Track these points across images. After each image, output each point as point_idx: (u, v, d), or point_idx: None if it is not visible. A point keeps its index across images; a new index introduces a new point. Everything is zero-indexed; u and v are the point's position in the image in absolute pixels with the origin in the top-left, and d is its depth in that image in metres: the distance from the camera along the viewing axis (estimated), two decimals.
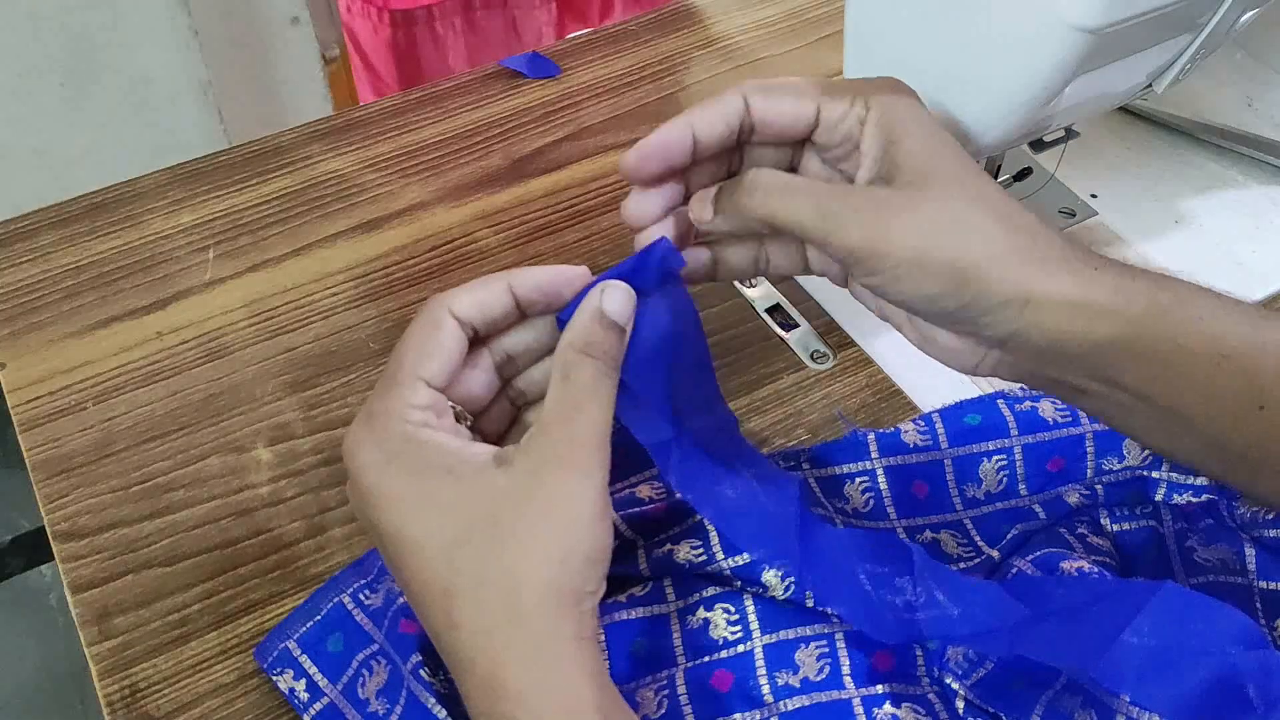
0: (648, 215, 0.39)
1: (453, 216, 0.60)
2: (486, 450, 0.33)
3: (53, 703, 1.25)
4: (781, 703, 0.38)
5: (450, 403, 0.35)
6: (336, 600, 0.43)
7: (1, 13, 0.90)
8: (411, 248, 0.58)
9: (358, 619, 0.42)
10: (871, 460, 0.45)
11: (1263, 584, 0.41)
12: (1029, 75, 0.43)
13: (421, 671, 0.38)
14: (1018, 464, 0.45)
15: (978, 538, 0.45)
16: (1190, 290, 0.36)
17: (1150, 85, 0.49)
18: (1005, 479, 0.45)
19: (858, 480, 0.45)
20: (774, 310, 0.55)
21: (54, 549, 0.46)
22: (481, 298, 0.35)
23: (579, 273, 0.36)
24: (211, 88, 1.01)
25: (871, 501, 0.45)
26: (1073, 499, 0.45)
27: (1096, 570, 0.40)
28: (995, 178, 0.56)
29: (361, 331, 0.54)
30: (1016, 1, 0.41)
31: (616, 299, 0.35)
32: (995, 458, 0.45)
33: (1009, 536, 0.44)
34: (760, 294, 0.56)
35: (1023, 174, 0.57)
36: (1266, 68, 0.66)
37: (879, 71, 0.51)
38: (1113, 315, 0.35)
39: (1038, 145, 0.53)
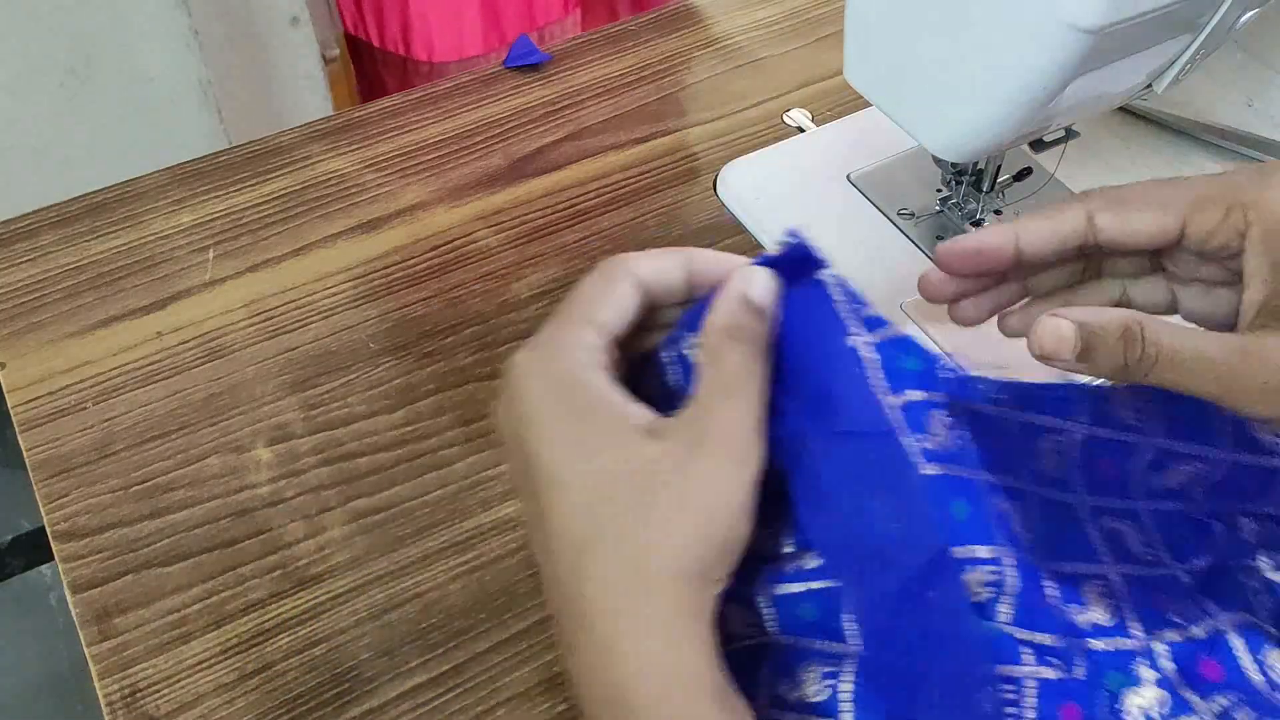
0: (969, 317, 0.38)
1: (453, 216, 0.60)
2: (644, 413, 0.32)
3: (53, 703, 1.25)
4: None
5: (620, 355, 0.34)
6: None
7: (1, 13, 0.90)
8: (411, 248, 0.58)
9: None
10: (1078, 421, 0.37)
11: None
12: (1029, 75, 0.43)
13: None
14: (1214, 476, 0.38)
15: (1159, 543, 0.39)
16: None
17: (1150, 85, 0.49)
18: (1189, 482, 0.39)
19: (1049, 436, 0.38)
20: None
21: (54, 549, 0.46)
22: (661, 265, 0.34)
23: (744, 262, 0.35)
24: (211, 88, 1.01)
25: (1062, 464, 0.38)
26: (1246, 531, 0.39)
27: None
28: (995, 178, 0.56)
29: (361, 331, 0.54)
30: (1016, 1, 0.41)
31: (760, 282, 0.33)
32: (1198, 464, 0.38)
33: (1194, 564, 0.39)
34: None
35: (1023, 174, 0.57)
36: (1266, 68, 0.66)
37: (879, 71, 0.51)
38: None
39: (1038, 145, 0.53)
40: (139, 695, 0.42)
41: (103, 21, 0.94)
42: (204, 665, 0.43)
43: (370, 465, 0.49)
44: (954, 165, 0.56)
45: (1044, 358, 0.34)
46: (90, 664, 0.43)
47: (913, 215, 0.59)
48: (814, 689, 0.35)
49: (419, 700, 0.42)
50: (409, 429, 0.50)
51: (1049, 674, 0.35)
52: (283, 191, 0.61)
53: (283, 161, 0.63)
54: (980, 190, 0.57)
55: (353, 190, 0.61)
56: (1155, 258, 0.37)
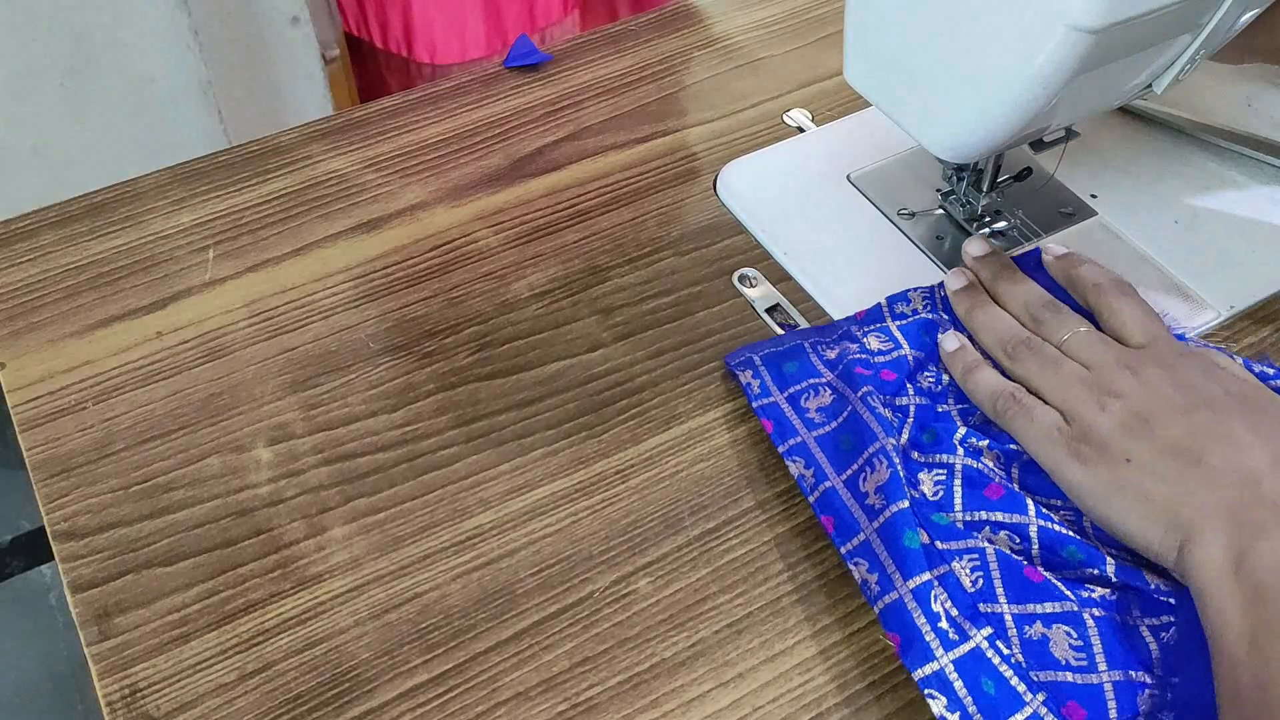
0: None
1: (453, 216, 0.60)
2: None
3: (53, 703, 1.25)
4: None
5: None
6: (798, 343, 0.52)
7: (1, 13, 0.90)
8: (411, 248, 0.58)
9: (813, 360, 0.51)
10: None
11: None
12: (1029, 75, 0.43)
13: (870, 399, 0.47)
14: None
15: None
16: None
17: (1150, 85, 0.49)
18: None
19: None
20: (774, 310, 0.55)
21: (54, 549, 0.46)
22: None
23: None
24: (211, 88, 1.01)
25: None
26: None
27: None
28: (995, 178, 0.56)
29: (361, 331, 0.54)
30: (1016, 1, 0.41)
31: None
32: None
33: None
34: (760, 294, 0.56)
35: (1023, 174, 0.57)
36: (1266, 68, 0.66)
37: (879, 71, 0.51)
38: None
39: (1038, 145, 0.53)
40: (139, 695, 0.42)
41: (103, 22, 0.94)
42: (204, 665, 0.43)
43: (370, 465, 0.49)
44: (954, 165, 0.56)
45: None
46: (90, 664, 0.43)
47: (913, 215, 0.59)
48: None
49: (419, 700, 0.42)
50: (409, 429, 0.50)
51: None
52: (283, 191, 0.61)
53: (283, 161, 0.63)
54: (980, 190, 0.57)
55: (353, 190, 0.61)
56: None
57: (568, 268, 0.57)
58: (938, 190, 0.59)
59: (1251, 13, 0.46)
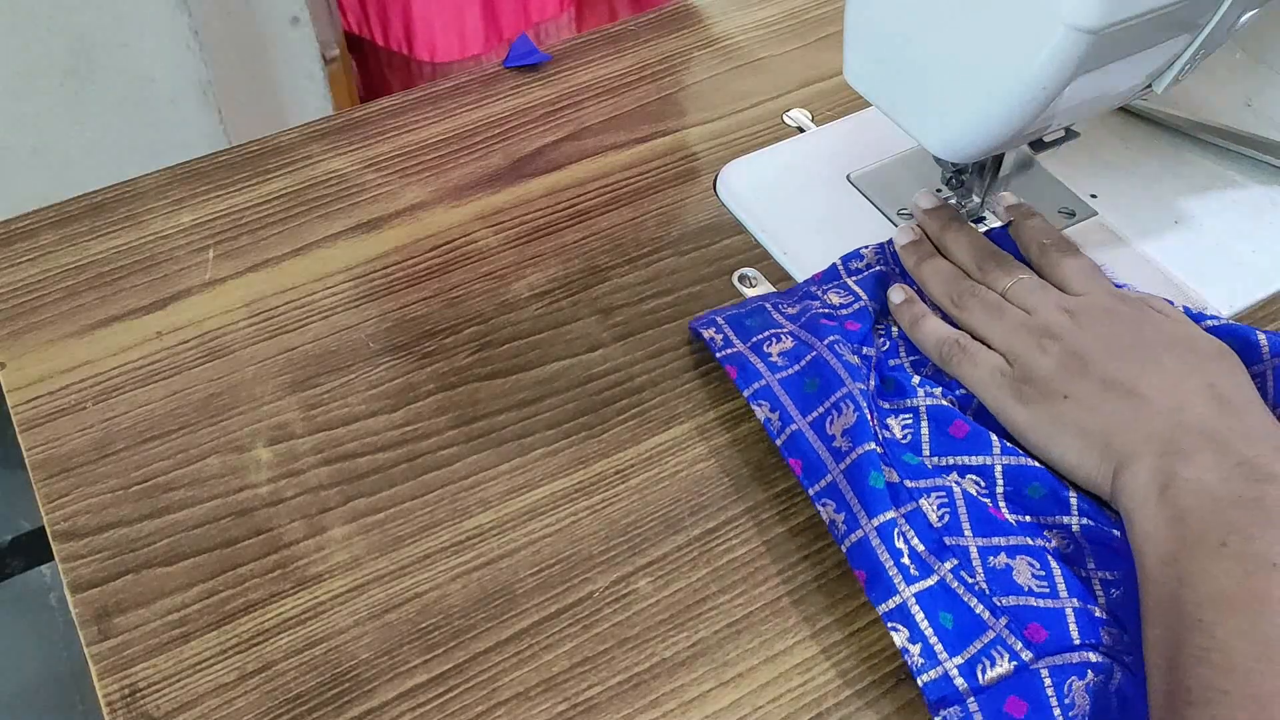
0: None
1: (453, 216, 0.60)
2: None
3: (53, 703, 1.25)
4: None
5: None
6: (759, 304, 0.53)
7: (1, 13, 0.90)
8: (411, 248, 0.58)
9: (774, 316, 0.52)
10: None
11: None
12: (1029, 75, 0.43)
13: (837, 346, 0.48)
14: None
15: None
16: None
17: (1150, 85, 0.49)
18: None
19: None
20: None
21: (54, 549, 0.46)
22: None
23: None
24: (212, 88, 1.01)
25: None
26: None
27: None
28: (995, 177, 0.56)
29: (361, 331, 0.54)
30: (1016, 1, 0.41)
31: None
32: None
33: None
34: (760, 294, 0.56)
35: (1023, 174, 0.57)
36: (1266, 68, 0.66)
37: (879, 71, 0.51)
38: None
39: (1038, 145, 0.53)
40: (139, 695, 0.42)
41: (103, 21, 0.94)
42: (204, 665, 0.43)
43: (370, 465, 0.49)
44: (954, 165, 0.56)
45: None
46: (90, 664, 0.43)
47: (913, 215, 0.59)
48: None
49: (419, 700, 0.42)
50: (409, 429, 0.50)
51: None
52: (283, 191, 0.61)
53: (283, 161, 0.63)
54: (980, 190, 0.57)
55: (353, 190, 0.61)
56: None
57: (568, 268, 0.57)
58: (938, 190, 0.59)
59: (1251, 13, 0.46)
